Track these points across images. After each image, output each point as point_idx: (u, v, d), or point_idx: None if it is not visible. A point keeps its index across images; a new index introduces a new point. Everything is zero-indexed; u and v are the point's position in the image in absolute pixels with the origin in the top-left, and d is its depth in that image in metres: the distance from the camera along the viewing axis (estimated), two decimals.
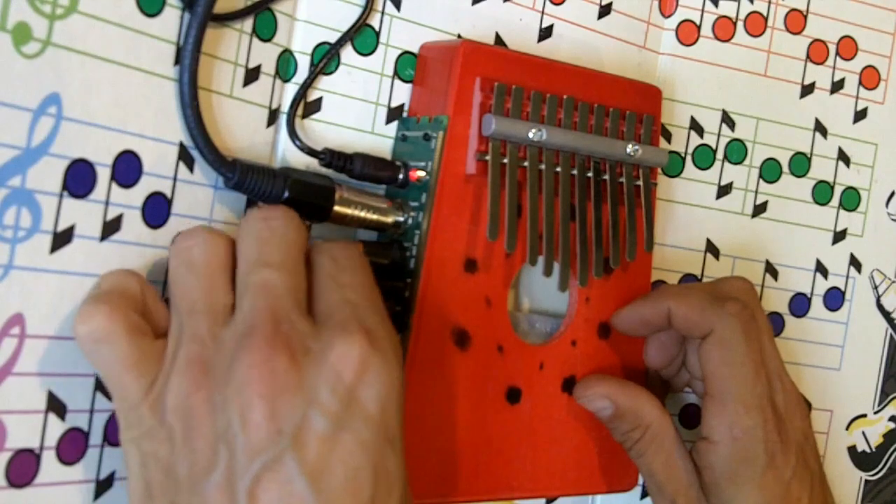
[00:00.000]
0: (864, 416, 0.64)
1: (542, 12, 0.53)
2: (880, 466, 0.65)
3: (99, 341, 0.36)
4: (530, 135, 0.47)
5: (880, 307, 0.64)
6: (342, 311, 0.37)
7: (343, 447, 0.35)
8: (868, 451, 0.64)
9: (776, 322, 0.61)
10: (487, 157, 0.46)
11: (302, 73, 0.46)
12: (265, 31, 0.44)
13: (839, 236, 0.62)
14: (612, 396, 0.50)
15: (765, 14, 0.59)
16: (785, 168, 0.60)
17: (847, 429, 0.63)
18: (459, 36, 0.50)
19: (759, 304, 0.52)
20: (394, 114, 0.49)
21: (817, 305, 0.62)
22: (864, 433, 0.64)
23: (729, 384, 0.48)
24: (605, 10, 0.55)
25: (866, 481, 0.64)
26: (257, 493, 0.34)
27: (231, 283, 0.38)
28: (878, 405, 0.64)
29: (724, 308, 0.49)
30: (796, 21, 0.60)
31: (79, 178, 0.38)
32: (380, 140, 0.48)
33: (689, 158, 0.58)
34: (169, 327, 0.38)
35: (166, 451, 0.36)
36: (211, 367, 0.36)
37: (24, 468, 0.38)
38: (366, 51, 0.48)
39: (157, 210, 0.41)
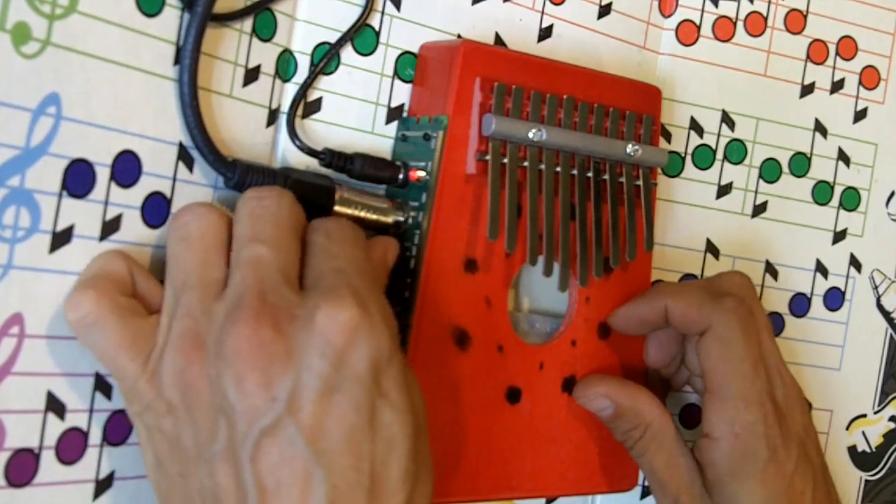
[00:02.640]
0: (864, 416, 0.64)
1: (542, 12, 0.53)
2: (880, 466, 0.65)
3: (89, 326, 0.37)
4: (530, 135, 0.47)
5: (880, 307, 0.64)
6: (329, 278, 0.38)
7: (337, 408, 0.36)
8: (868, 451, 0.64)
9: (776, 322, 0.61)
10: (487, 157, 0.46)
11: (302, 73, 0.46)
12: (265, 31, 0.44)
13: (839, 236, 0.62)
14: (612, 396, 0.50)
15: (765, 14, 0.59)
16: (785, 168, 0.60)
17: (847, 429, 0.63)
18: (459, 36, 0.50)
19: (757, 299, 0.51)
20: (394, 114, 0.49)
21: (817, 305, 0.62)
22: (864, 433, 0.64)
23: (728, 380, 0.48)
24: (605, 10, 0.55)
25: (866, 481, 0.64)
26: (259, 458, 0.35)
27: (226, 258, 0.39)
28: (878, 405, 0.64)
29: (721, 304, 0.49)
30: (796, 21, 0.60)
31: (78, 178, 0.38)
32: (380, 140, 0.48)
33: (689, 158, 0.58)
34: (163, 302, 0.39)
35: (170, 424, 0.37)
36: (203, 340, 0.37)
37: (23, 468, 0.38)
38: (366, 51, 0.48)
39: (156, 210, 0.41)
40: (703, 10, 0.58)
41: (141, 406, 0.38)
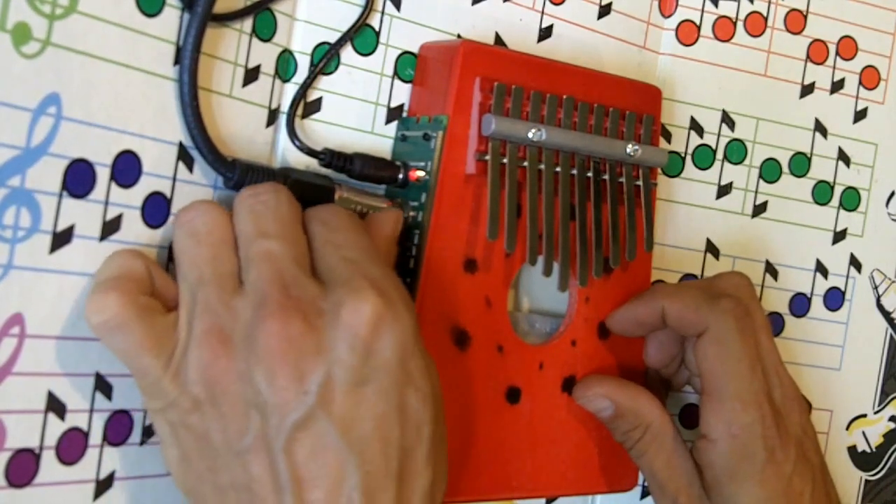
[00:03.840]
0: (864, 416, 0.64)
1: (542, 12, 0.53)
2: (880, 466, 0.65)
3: (113, 329, 0.37)
4: (530, 135, 0.47)
5: (880, 307, 0.64)
6: (345, 270, 0.39)
7: (367, 398, 0.37)
8: (868, 451, 0.64)
9: (776, 322, 0.61)
10: (487, 157, 0.46)
11: (302, 73, 0.46)
12: (265, 31, 0.44)
13: (839, 236, 0.62)
14: (612, 396, 0.50)
15: (765, 14, 0.59)
16: (785, 168, 0.60)
17: (847, 429, 0.63)
18: (459, 36, 0.50)
19: (756, 300, 0.51)
20: (394, 114, 0.49)
21: (817, 305, 0.62)
22: (864, 433, 0.64)
23: (725, 381, 0.48)
24: (605, 10, 0.55)
25: (866, 481, 0.64)
26: (292, 450, 0.36)
27: (235, 251, 0.39)
28: (878, 405, 0.64)
29: (718, 305, 0.49)
30: (796, 21, 0.60)
31: (78, 178, 0.38)
32: (380, 140, 0.48)
33: (689, 158, 0.58)
34: (179, 298, 0.39)
35: (196, 420, 0.38)
36: (228, 335, 0.37)
37: (23, 468, 0.38)
38: (366, 51, 0.48)
39: (156, 210, 0.41)
40: (703, 10, 0.58)
41: (164, 403, 0.38)
